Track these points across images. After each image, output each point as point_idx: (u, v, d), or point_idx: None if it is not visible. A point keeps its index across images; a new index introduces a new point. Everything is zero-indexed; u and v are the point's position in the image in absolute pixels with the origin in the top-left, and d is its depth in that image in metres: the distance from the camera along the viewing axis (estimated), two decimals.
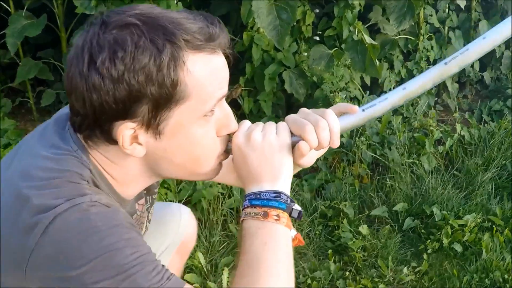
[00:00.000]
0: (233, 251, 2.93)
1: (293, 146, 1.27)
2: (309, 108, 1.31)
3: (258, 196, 1.22)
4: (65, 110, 1.30)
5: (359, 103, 3.97)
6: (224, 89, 1.22)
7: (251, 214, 1.21)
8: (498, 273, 2.99)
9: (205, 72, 1.15)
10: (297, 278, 2.80)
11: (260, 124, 1.30)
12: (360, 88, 3.97)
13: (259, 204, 1.21)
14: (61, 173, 1.13)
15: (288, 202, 1.24)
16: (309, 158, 1.33)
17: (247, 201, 1.25)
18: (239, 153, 1.27)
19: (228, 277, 2.69)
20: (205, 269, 2.78)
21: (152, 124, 1.15)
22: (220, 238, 3.01)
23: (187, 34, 1.11)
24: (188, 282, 2.62)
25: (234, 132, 1.28)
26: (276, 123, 1.30)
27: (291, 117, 1.31)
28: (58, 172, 1.13)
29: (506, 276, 2.97)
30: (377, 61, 3.47)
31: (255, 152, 1.24)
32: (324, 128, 1.25)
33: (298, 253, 3.02)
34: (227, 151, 1.31)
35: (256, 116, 3.84)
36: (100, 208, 1.12)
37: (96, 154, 1.22)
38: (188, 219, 2.05)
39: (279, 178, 1.25)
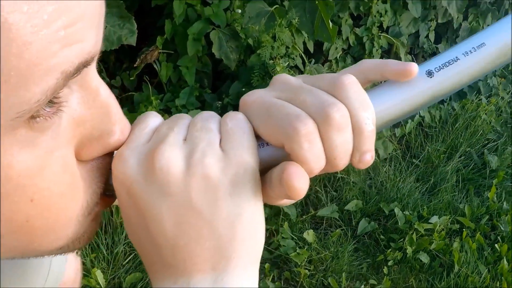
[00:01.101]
0: (142, 267, 2.23)
1: (265, 170, 0.56)
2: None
3: None
4: None
5: (301, 73, 3.32)
6: (84, 43, 0.44)
7: None
8: None
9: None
10: None
11: (180, 123, 0.57)
12: (303, 55, 3.31)
13: None
14: None
15: None
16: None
17: None
18: (129, 202, 0.55)
19: None
20: None
21: None
22: (125, 248, 2.28)
23: None
24: None
25: (118, 146, 0.56)
26: (220, 110, 0.54)
27: (257, 98, 0.58)
28: None
29: None
30: (330, 22, 2.80)
31: (168, 201, 0.53)
32: (342, 126, 0.54)
33: None
34: (109, 194, 0.58)
35: (176, 86, 3.21)
36: None
37: None
38: (62, 259, 1.28)
39: (233, 259, 0.54)
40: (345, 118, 0.54)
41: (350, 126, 0.54)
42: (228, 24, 3.15)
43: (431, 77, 0.59)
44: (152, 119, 0.58)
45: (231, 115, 0.57)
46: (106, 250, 2.23)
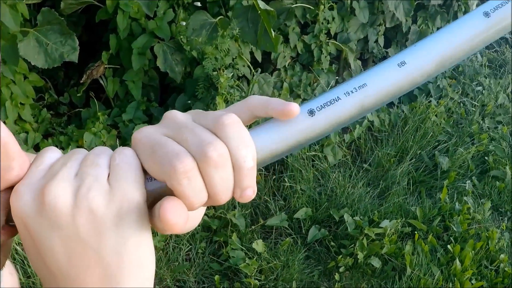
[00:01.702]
0: None
1: (154, 203, 0.59)
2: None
3: None
4: None
5: (248, 83, 3.30)
6: None
7: None
8: None
9: None
10: None
11: (74, 158, 0.60)
12: (249, 65, 3.29)
13: None
14: None
15: None
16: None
17: None
18: (26, 234, 0.58)
19: None
20: None
21: None
22: None
23: None
24: None
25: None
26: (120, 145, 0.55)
27: (144, 136, 0.61)
28: None
29: None
30: (272, 31, 2.79)
31: (58, 233, 0.56)
32: (220, 164, 0.57)
33: (176, 280, 2.30)
34: (12, 224, 0.60)
35: (123, 100, 3.18)
36: None
37: None
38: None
39: (122, 286, 0.57)
40: (223, 156, 0.56)
41: (229, 163, 0.57)
42: (173, 37, 3.13)
43: (312, 116, 0.61)
44: (49, 155, 0.60)
45: (119, 151, 0.59)
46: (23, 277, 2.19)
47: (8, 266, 1.32)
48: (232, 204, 2.70)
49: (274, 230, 2.74)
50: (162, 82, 3.29)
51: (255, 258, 2.47)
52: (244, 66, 3.30)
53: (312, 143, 3.13)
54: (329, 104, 0.62)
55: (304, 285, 2.47)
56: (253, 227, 2.68)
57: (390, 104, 3.89)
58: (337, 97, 0.63)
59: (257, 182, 2.87)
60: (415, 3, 4.18)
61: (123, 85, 3.13)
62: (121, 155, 0.58)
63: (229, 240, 2.51)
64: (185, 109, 2.95)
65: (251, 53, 3.45)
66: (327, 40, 3.86)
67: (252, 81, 3.23)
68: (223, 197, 0.57)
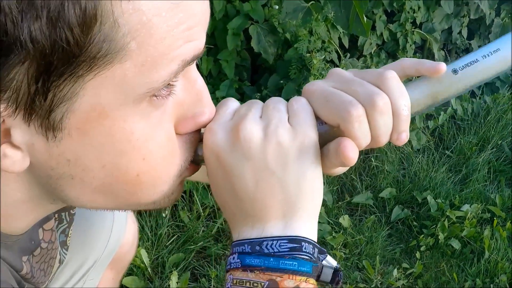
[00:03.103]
0: (184, 247, 2.33)
1: (322, 144, 0.72)
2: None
3: (258, 247, 0.68)
4: None
5: (336, 67, 3.40)
6: (197, 41, 0.61)
7: (244, 285, 0.66)
8: (504, 277, 2.56)
9: (159, 2, 0.55)
10: None
11: (255, 106, 0.73)
12: (338, 49, 3.40)
13: (259, 265, 0.67)
14: None
15: (315, 255, 0.69)
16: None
17: (235, 256, 0.69)
18: (217, 165, 0.71)
19: (177, 282, 2.09)
20: (149, 269, 2.18)
21: (38, 109, 0.55)
22: (168, 230, 2.40)
23: None
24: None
25: (206, 123, 0.72)
26: (283, 96, 0.70)
27: (317, 88, 0.74)
28: None
29: None
30: (364, 17, 2.88)
31: (249, 162, 0.68)
32: (384, 111, 0.69)
33: None
34: (196, 161, 0.74)
35: (216, 79, 3.27)
36: None
37: None
38: (124, 220, 1.42)
39: (298, 211, 0.69)
40: (387, 105, 0.69)
41: (391, 111, 0.69)
42: (266, 19, 3.22)
43: (456, 74, 0.74)
44: (232, 103, 0.74)
45: (296, 99, 0.73)
46: (150, 232, 2.35)
47: (131, 215, 1.49)
48: None
49: (359, 208, 2.85)
50: (254, 63, 3.40)
51: (341, 232, 2.58)
52: (332, 50, 3.41)
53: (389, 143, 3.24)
54: (469, 64, 0.75)
55: (387, 261, 2.57)
56: (339, 203, 2.80)
57: (473, 94, 3.94)
58: (476, 59, 0.75)
59: None
60: None
61: (217, 64, 3.26)
62: (298, 102, 0.72)
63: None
64: (277, 88, 3.07)
65: (339, 38, 3.56)
66: (413, 29, 3.91)
67: (341, 65, 3.33)
68: (383, 139, 0.71)
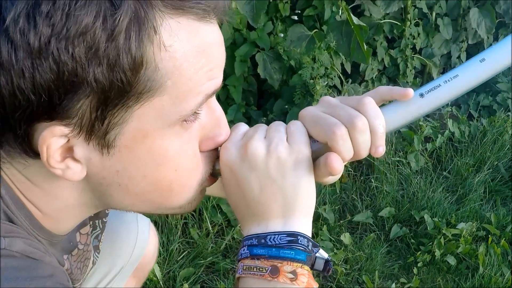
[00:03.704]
0: (194, 262, 2.49)
1: (315, 158, 0.90)
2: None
3: (263, 240, 0.86)
4: None
5: (339, 92, 3.56)
6: (217, 79, 0.82)
7: (252, 270, 0.84)
8: None
9: (190, 49, 0.76)
10: None
11: (261, 128, 0.92)
12: (341, 75, 3.56)
13: (264, 254, 0.85)
14: None
15: (309, 247, 0.85)
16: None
17: (245, 248, 0.87)
18: (231, 175, 0.89)
19: None
20: (161, 282, 2.33)
21: (96, 131, 0.75)
22: (179, 246, 2.56)
23: None
24: None
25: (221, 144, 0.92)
26: (282, 120, 0.91)
27: (309, 113, 0.93)
28: None
29: None
30: (364, 45, 3.04)
31: (255, 173, 0.87)
32: (363, 130, 0.87)
33: None
34: (214, 174, 0.93)
35: (224, 103, 3.41)
36: (10, 261, 0.71)
37: (11, 171, 0.80)
38: (146, 234, 1.60)
39: (295, 211, 0.87)
40: (365, 125, 0.88)
41: (368, 130, 0.88)
42: (272, 47, 3.37)
43: (422, 98, 0.94)
44: (243, 127, 0.94)
45: (293, 122, 0.93)
46: (162, 248, 2.51)
47: (153, 228, 1.66)
48: (323, 200, 2.97)
49: (360, 226, 2.99)
50: (260, 88, 3.57)
51: (342, 249, 2.72)
52: (335, 76, 3.56)
53: (397, 150, 3.39)
54: (433, 89, 0.94)
55: (385, 276, 2.70)
56: (341, 221, 2.94)
57: (470, 117, 4.07)
58: (439, 84, 0.94)
59: (345, 182, 3.15)
60: (497, 21, 4.29)
61: (225, 89, 3.41)
62: (295, 125, 0.92)
63: (320, 231, 2.78)
64: (283, 112, 3.23)
65: (342, 64, 3.71)
66: (412, 55, 4.04)
67: (344, 91, 3.48)
68: (364, 153, 0.89)
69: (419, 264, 2.78)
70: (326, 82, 3.29)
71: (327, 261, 0.87)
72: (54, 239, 0.91)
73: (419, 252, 2.83)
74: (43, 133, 0.73)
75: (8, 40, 0.66)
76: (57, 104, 0.70)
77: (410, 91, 0.92)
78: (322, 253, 0.88)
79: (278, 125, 0.92)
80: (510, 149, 3.71)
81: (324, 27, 3.41)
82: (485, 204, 3.33)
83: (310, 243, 0.86)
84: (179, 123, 0.79)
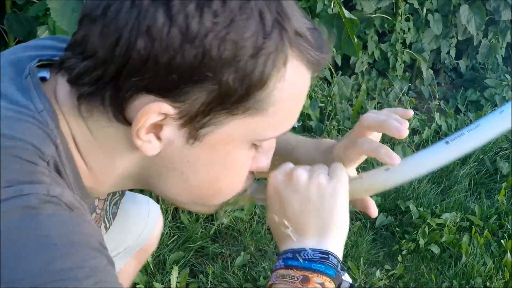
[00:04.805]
0: (184, 246, 2.55)
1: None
2: None
3: (297, 255, 0.93)
4: (21, 52, 0.92)
5: (329, 84, 3.62)
6: (292, 123, 0.92)
7: (285, 278, 0.92)
8: (479, 280, 2.73)
9: (297, 89, 0.85)
10: (257, 280, 2.44)
11: (305, 166, 1.02)
12: (331, 67, 3.62)
13: (297, 265, 0.92)
14: (8, 142, 0.73)
15: (338, 268, 0.92)
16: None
17: (281, 260, 0.95)
18: (275, 196, 0.99)
19: (177, 277, 2.30)
20: (151, 266, 2.39)
21: (195, 122, 0.81)
22: (169, 230, 2.61)
23: (299, 27, 0.80)
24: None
25: (260, 171, 1.01)
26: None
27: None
28: (3, 140, 0.74)
29: (488, 283, 2.73)
30: (355, 38, 3.10)
31: (297, 194, 0.97)
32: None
33: (258, 250, 2.65)
34: (241, 194, 1.01)
35: None
36: (59, 209, 0.72)
37: (79, 125, 0.83)
38: (156, 219, 1.69)
39: (329, 233, 0.96)
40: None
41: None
42: None
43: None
44: (290, 163, 1.03)
45: (334, 163, 1.03)
46: None
47: (159, 209, 1.71)
48: None
49: None
50: None
51: None
52: (325, 69, 3.62)
53: (384, 141, 3.44)
54: (458, 137, 0.98)
55: (370, 263, 2.75)
56: None
57: (458, 111, 4.14)
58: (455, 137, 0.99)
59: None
60: (487, 18, 4.36)
61: None
62: (336, 164, 1.01)
63: None
64: None
65: (332, 57, 3.76)
66: (402, 49, 4.11)
67: (333, 82, 3.54)
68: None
69: (403, 252, 2.84)
70: (316, 74, 3.34)
71: (351, 286, 0.94)
72: (87, 198, 0.92)
73: (404, 240, 2.89)
74: (150, 105, 0.76)
75: (169, 14, 0.72)
76: (179, 86, 0.76)
77: (398, 158, 1.01)
78: (347, 278, 0.95)
79: (321, 165, 1.00)
80: (496, 143, 3.77)
81: (316, 20, 3.42)
82: (469, 196, 3.40)
83: (339, 265, 0.93)
84: (255, 142, 0.88)
